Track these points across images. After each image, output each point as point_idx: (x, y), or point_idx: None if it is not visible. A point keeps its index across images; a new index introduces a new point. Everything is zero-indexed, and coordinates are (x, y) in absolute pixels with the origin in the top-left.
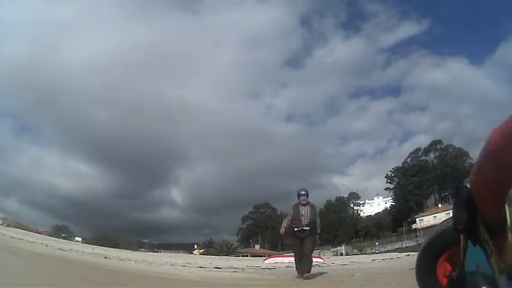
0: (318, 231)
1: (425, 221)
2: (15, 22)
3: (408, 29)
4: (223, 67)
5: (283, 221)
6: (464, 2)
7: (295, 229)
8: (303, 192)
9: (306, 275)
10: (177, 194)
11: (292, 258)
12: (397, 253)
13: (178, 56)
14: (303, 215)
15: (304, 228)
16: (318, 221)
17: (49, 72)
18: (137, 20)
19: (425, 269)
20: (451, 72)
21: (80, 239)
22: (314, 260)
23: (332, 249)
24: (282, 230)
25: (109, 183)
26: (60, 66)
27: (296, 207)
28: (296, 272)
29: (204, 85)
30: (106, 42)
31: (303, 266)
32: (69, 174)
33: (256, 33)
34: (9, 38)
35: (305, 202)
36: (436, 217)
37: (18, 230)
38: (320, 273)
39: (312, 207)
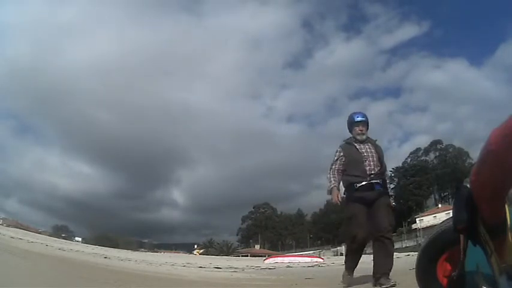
0: (390, 192)
1: (425, 221)
2: (17, 23)
3: (408, 30)
4: (224, 69)
5: (329, 174)
6: (464, 4)
7: (357, 184)
8: (359, 118)
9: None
10: (177, 195)
11: (294, 259)
12: (397, 253)
13: (180, 57)
14: (366, 158)
15: (374, 181)
16: (387, 172)
17: (51, 73)
18: (139, 21)
19: (425, 269)
20: (451, 74)
21: (80, 239)
22: (314, 260)
23: (332, 249)
24: (330, 188)
25: (110, 183)
26: (62, 67)
27: (349, 145)
28: (346, 276)
29: (206, 86)
30: (108, 44)
31: (380, 261)
32: (70, 174)
33: (258, 35)
34: (10, 39)
35: (364, 137)
36: (436, 217)
37: (18, 230)
38: (320, 274)
39: (376, 146)
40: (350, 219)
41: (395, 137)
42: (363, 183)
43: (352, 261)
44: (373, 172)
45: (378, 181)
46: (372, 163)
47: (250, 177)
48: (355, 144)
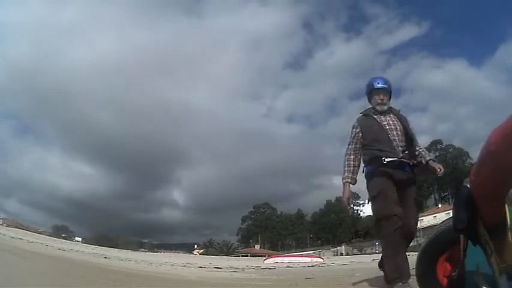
0: (430, 156)
1: (425, 221)
2: (17, 23)
3: (408, 31)
4: (225, 69)
5: (344, 159)
6: (464, 5)
7: (385, 159)
8: (379, 85)
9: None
10: (178, 195)
11: (294, 259)
12: None
13: (180, 58)
14: (391, 131)
15: (406, 160)
16: (419, 143)
17: (51, 73)
18: (139, 22)
19: (425, 269)
20: (451, 74)
21: (80, 239)
22: (314, 260)
23: (332, 249)
24: (343, 183)
25: (110, 183)
26: (62, 68)
27: (367, 117)
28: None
29: (206, 87)
30: (108, 44)
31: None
32: (71, 174)
33: (258, 36)
34: (12, 39)
35: (385, 107)
36: (436, 217)
37: (18, 230)
38: (320, 274)
39: (401, 116)
40: (377, 196)
41: None
42: (394, 158)
43: (399, 259)
44: (400, 148)
45: (409, 162)
46: (397, 137)
47: (250, 177)
48: (375, 116)
